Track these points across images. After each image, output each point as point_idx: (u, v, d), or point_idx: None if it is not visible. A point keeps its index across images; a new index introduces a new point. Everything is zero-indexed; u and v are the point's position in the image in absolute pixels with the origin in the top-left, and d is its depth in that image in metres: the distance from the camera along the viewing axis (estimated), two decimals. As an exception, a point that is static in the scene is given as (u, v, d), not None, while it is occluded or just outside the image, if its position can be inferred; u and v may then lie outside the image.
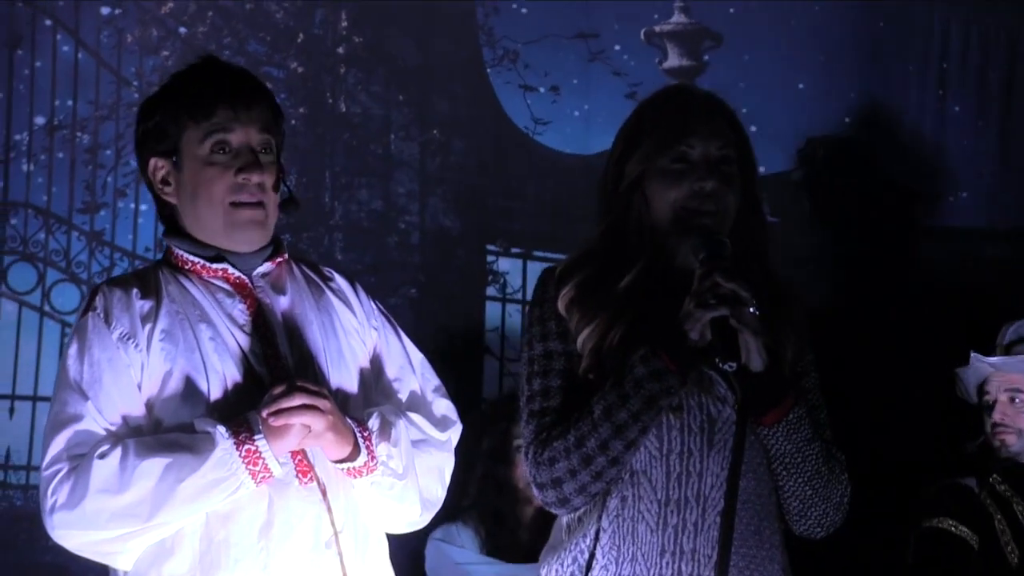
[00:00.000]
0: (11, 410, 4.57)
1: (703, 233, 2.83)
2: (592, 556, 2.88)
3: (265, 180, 2.96)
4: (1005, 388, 4.19)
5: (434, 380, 3.19)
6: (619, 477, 2.86)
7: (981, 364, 4.20)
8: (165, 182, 2.99)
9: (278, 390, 2.83)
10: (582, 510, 2.91)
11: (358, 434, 2.92)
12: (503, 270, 4.84)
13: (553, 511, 2.95)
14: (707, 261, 2.77)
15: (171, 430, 2.88)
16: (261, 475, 2.82)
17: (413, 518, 3.10)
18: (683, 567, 2.83)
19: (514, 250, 4.87)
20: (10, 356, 4.62)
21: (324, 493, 2.91)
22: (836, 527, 2.95)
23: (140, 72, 4.74)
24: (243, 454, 2.80)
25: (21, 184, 4.68)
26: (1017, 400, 4.19)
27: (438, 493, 3.12)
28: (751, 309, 2.71)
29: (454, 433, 3.16)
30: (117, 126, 4.66)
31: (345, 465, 2.93)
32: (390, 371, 3.12)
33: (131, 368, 2.89)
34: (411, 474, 3.02)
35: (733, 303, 2.70)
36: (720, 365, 2.77)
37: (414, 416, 3.07)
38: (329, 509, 2.92)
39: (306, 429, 2.84)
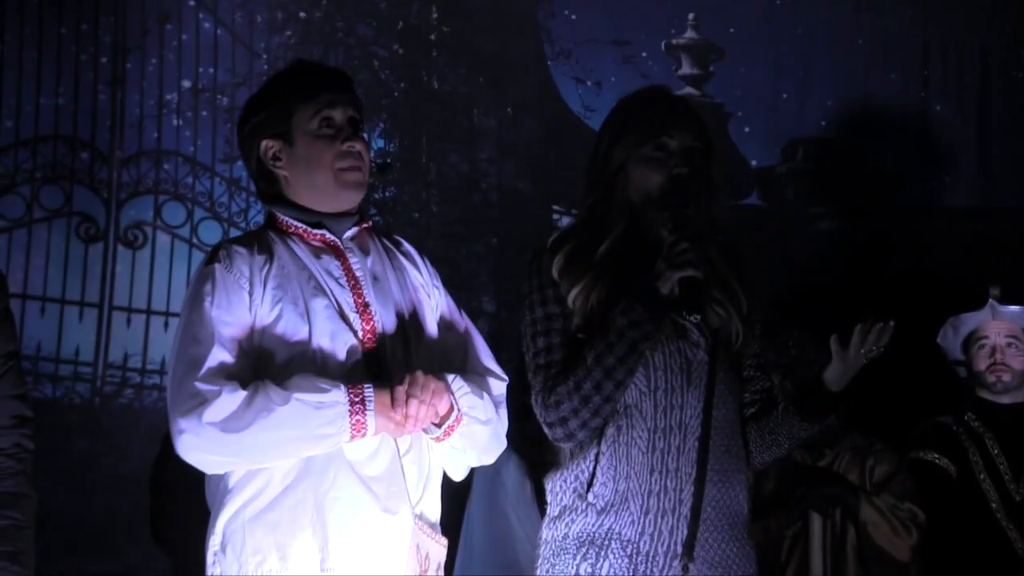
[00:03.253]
0: (165, 324, 5.08)
1: (674, 210, 3.22)
2: (593, 474, 3.24)
3: (363, 149, 3.32)
4: (1005, 334, 4.71)
5: (479, 335, 3.45)
6: (614, 411, 3.21)
7: (986, 313, 4.69)
8: (276, 158, 3.30)
9: (421, 396, 3.11)
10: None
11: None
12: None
13: (561, 445, 3.31)
14: (676, 232, 3.17)
15: (278, 367, 3.14)
16: (356, 437, 3.13)
17: (489, 460, 3.41)
18: (668, 483, 3.21)
19: (574, 211, 5.17)
20: (165, 279, 5.12)
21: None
22: None
23: (268, 47, 5.29)
24: (352, 423, 3.10)
25: (172, 136, 5.19)
26: (1013, 345, 4.70)
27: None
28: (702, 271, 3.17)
29: (504, 386, 3.38)
30: (250, 91, 4.76)
31: (441, 428, 3.21)
32: (448, 324, 3.40)
33: (248, 311, 3.18)
34: (494, 420, 3.29)
35: (693, 263, 3.12)
36: (686, 317, 3.24)
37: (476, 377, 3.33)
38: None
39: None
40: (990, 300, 4.74)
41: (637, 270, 3.21)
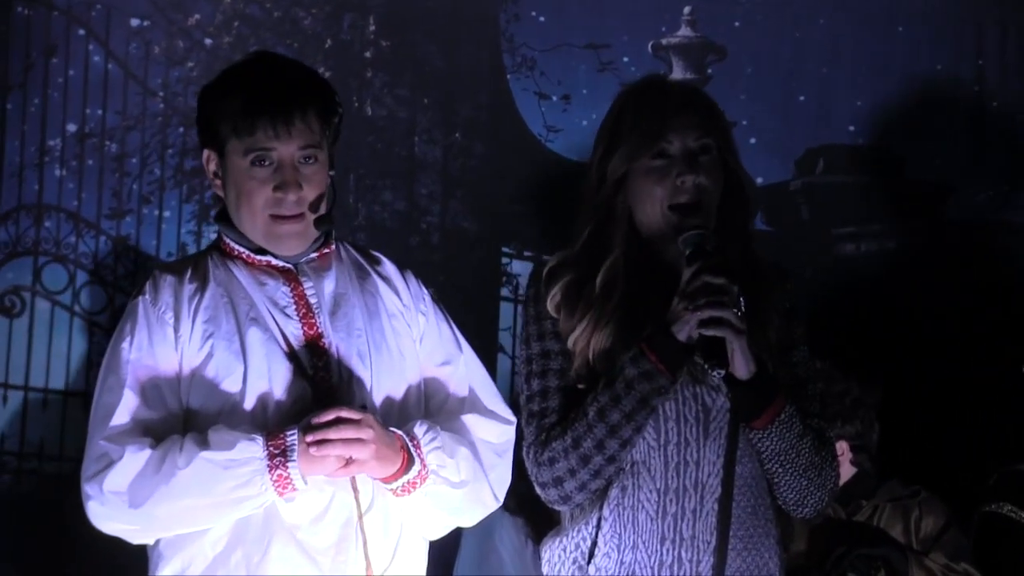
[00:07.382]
0: (44, 403, 4.68)
1: (690, 232, 2.88)
2: (595, 543, 2.94)
3: (305, 195, 2.97)
4: None
5: (482, 370, 3.20)
6: (619, 471, 2.92)
7: None
8: (216, 175, 3.04)
9: (322, 419, 2.84)
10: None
11: (408, 444, 2.94)
12: (516, 272, 4.86)
13: (556, 507, 3.01)
14: (694, 260, 2.82)
15: (209, 415, 2.89)
16: (287, 493, 2.87)
17: (467, 523, 3.18)
18: (683, 553, 2.91)
19: (526, 253, 4.90)
20: (44, 352, 4.71)
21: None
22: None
23: (166, 83, 4.83)
24: (275, 478, 2.84)
25: (54, 188, 4.76)
26: None
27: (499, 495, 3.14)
28: (736, 311, 2.76)
29: (510, 429, 3.14)
30: (143, 136, 4.76)
31: (397, 483, 2.94)
32: (439, 355, 3.13)
33: (174, 351, 2.94)
34: (472, 482, 3.04)
35: (721, 301, 2.76)
36: (708, 372, 2.86)
37: (469, 418, 3.08)
38: (356, 490, 2.95)
39: (343, 460, 2.86)
40: None
41: (651, 307, 2.89)
